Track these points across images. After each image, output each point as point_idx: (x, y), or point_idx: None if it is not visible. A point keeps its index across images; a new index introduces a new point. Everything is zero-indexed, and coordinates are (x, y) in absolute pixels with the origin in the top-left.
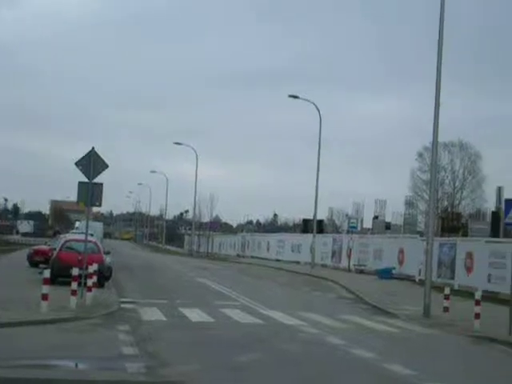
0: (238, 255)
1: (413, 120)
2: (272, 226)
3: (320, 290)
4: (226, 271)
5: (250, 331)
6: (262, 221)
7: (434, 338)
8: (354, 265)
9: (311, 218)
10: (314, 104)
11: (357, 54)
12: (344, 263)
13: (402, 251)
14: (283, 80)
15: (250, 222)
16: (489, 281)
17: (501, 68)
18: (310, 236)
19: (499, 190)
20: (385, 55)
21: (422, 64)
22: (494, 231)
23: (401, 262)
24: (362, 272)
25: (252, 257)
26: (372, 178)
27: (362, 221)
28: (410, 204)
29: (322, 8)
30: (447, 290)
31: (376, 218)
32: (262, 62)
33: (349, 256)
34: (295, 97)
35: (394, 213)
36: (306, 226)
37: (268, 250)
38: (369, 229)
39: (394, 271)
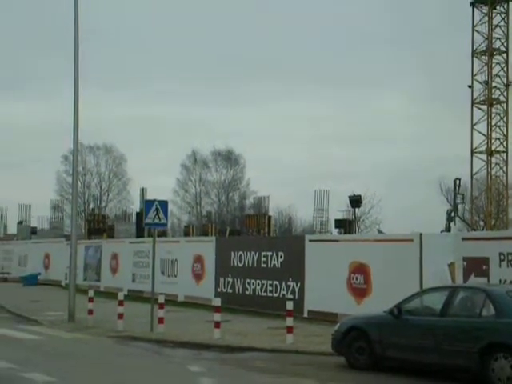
0: None
1: (59, 122)
2: None
3: None
4: None
5: None
6: None
7: (77, 342)
8: None
9: None
10: None
11: None
12: None
13: (47, 256)
14: None
15: None
16: (133, 280)
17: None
18: None
19: (142, 191)
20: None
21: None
22: (139, 232)
23: (47, 267)
24: (6, 280)
25: None
26: (15, 182)
27: (5, 227)
28: (56, 207)
29: None
30: (91, 293)
31: (20, 223)
32: None
33: None
34: None
35: (41, 217)
36: None
37: None
38: (14, 235)
39: (39, 277)
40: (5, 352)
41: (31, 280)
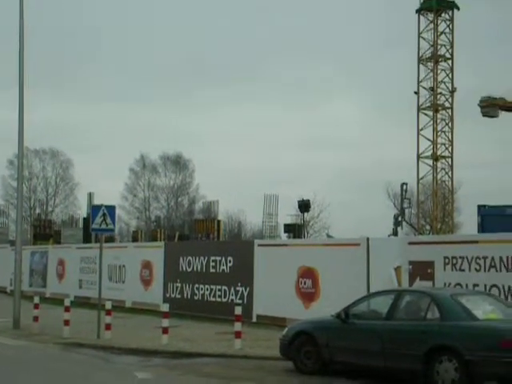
0: None
1: (3, 125)
2: None
3: None
4: None
5: None
6: None
7: (22, 350)
8: None
9: None
10: None
11: None
12: None
13: None
14: None
15: None
16: (80, 286)
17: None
18: None
19: (90, 195)
20: None
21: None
22: (86, 237)
23: None
24: None
25: None
26: None
27: None
28: (1, 213)
29: None
30: (36, 299)
31: None
32: None
33: None
34: None
35: None
36: None
37: None
38: None
39: None
40: None
41: None
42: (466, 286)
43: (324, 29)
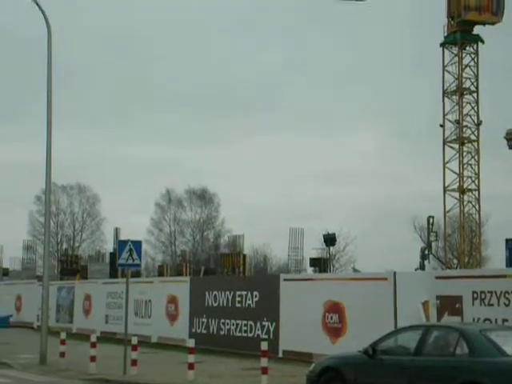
0: None
1: (31, 161)
2: None
3: None
4: None
5: None
6: None
7: None
8: None
9: None
10: None
11: None
12: None
13: (19, 298)
14: None
15: None
16: (106, 322)
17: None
18: None
19: (116, 230)
20: None
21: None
22: (113, 272)
23: (18, 309)
24: None
25: None
26: None
27: None
28: (28, 248)
29: None
30: (63, 335)
31: None
32: None
33: None
34: None
35: (12, 258)
36: None
37: None
38: None
39: (11, 319)
40: None
41: (2, 322)
42: (496, 321)
43: (345, 58)
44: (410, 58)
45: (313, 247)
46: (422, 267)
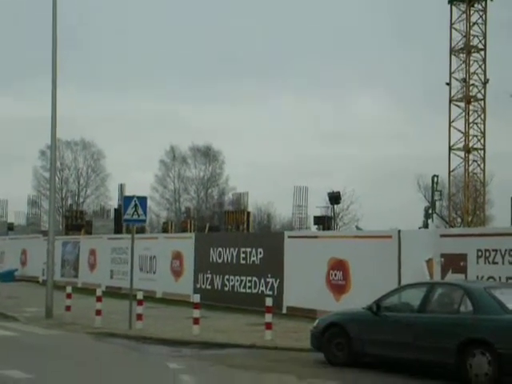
0: None
1: (34, 117)
2: None
3: None
4: None
5: None
6: None
7: (54, 338)
8: None
9: None
10: None
11: None
12: None
13: (24, 252)
14: None
15: None
16: (111, 277)
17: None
18: None
19: (121, 187)
20: None
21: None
22: (118, 228)
23: (24, 264)
24: None
25: None
26: None
27: None
28: (33, 203)
29: None
30: (69, 289)
31: None
32: None
33: None
34: None
35: (17, 213)
36: None
37: None
38: None
39: (16, 273)
40: None
41: (8, 276)
42: (500, 279)
43: (350, 21)
44: (417, 15)
45: (317, 206)
46: (425, 226)
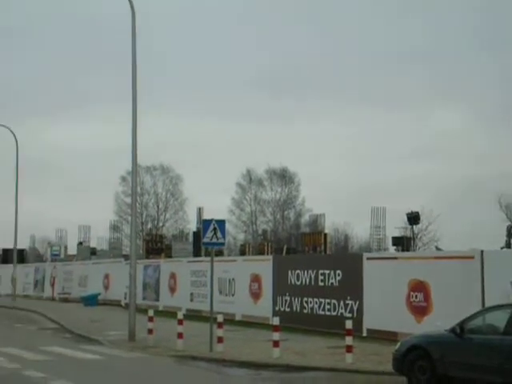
0: None
1: (116, 143)
2: None
3: (21, 321)
4: None
5: None
6: None
7: (137, 361)
8: (59, 293)
9: (11, 247)
10: (10, 129)
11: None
12: (48, 292)
13: (107, 276)
14: None
15: None
16: (191, 300)
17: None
18: (10, 266)
19: (199, 210)
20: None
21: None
22: (196, 251)
23: (106, 287)
24: (66, 300)
25: None
26: (74, 203)
27: (66, 248)
28: (115, 228)
29: None
30: (151, 312)
31: (80, 243)
32: None
33: (52, 285)
34: None
35: (100, 238)
36: (5, 256)
37: None
38: (74, 255)
39: (99, 297)
40: (64, 372)
41: (91, 300)
42: None
43: (426, 37)
44: (492, 27)
45: (395, 226)
46: (508, 246)
